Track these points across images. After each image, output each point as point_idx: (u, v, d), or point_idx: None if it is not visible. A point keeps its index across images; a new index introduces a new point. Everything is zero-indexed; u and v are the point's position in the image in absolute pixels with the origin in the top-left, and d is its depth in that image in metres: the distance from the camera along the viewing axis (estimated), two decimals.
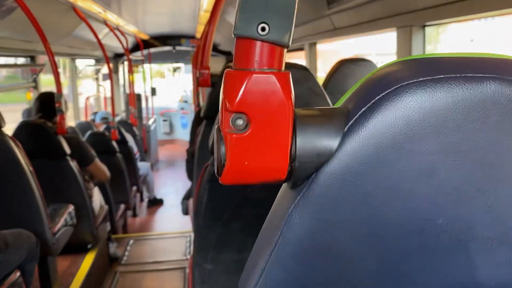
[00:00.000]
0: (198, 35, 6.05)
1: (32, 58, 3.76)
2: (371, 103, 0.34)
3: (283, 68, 0.35)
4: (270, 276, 0.38)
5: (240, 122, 0.35)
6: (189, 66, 8.97)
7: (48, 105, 2.77)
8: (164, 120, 10.00)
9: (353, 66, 2.04)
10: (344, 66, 2.03)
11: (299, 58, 3.78)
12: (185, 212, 2.90)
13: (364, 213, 0.36)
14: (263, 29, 0.33)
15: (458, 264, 0.37)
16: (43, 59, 3.82)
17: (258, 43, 0.34)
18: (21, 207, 2.07)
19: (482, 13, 1.57)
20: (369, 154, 0.34)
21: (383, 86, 0.35)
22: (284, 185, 0.41)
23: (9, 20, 2.60)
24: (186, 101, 10.07)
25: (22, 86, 4.00)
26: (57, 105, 2.61)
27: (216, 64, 5.00)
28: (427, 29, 1.89)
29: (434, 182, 0.35)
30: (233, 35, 0.34)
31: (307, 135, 0.36)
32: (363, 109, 0.35)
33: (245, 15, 0.33)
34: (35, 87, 3.86)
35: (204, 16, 4.23)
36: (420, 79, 0.34)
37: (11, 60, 3.94)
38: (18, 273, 1.83)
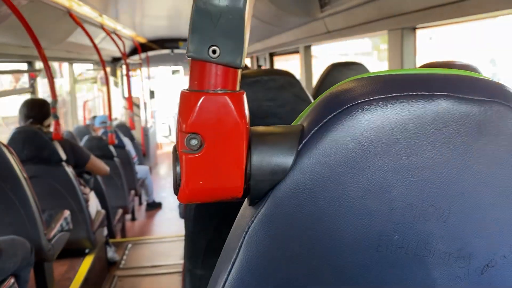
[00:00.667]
0: None
1: (30, 63, 3.77)
2: (323, 122, 0.35)
3: (237, 88, 0.36)
4: None
5: (194, 142, 0.35)
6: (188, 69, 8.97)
7: (36, 110, 2.78)
8: (163, 123, 10.02)
9: (345, 70, 2.04)
10: (335, 70, 2.03)
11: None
12: (182, 215, 2.90)
13: (320, 230, 0.36)
14: (214, 51, 0.34)
15: (416, 278, 0.38)
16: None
17: (211, 65, 0.34)
18: (16, 214, 2.08)
19: (473, 15, 1.57)
20: (322, 172, 0.35)
21: (336, 105, 0.35)
22: (245, 202, 0.42)
23: (5, 26, 2.61)
24: None
25: (19, 92, 4.01)
26: (52, 111, 2.61)
27: None
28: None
29: (387, 198, 0.35)
30: (186, 57, 0.35)
31: (261, 154, 0.36)
32: (316, 128, 0.35)
33: (196, 38, 0.34)
34: (33, 92, 3.87)
35: None
36: (371, 98, 0.34)
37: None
38: (12, 280, 1.84)
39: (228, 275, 0.38)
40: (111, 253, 3.58)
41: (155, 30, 6.38)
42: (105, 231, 3.40)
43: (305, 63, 3.33)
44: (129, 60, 6.65)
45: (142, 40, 7.01)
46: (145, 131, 6.82)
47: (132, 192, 4.83)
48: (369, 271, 0.37)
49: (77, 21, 3.45)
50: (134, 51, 7.20)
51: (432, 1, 1.66)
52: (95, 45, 3.95)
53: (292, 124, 0.40)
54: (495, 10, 1.45)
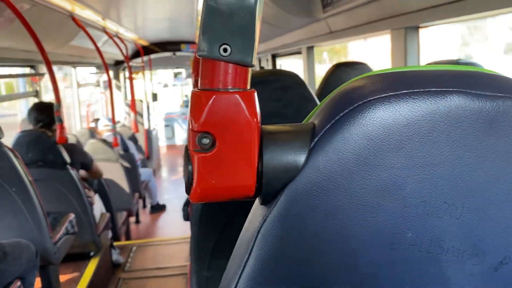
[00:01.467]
0: (198, 40, 6.06)
1: (33, 67, 3.79)
2: (335, 119, 0.35)
3: (248, 87, 0.36)
4: None
5: (206, 141, 0.35)
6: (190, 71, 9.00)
7: (45, 114, 2.80)
8: (166, 126, 10.04)
9: (348, 70, 2.04)
10: (339, 70, 2.03)
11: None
12: (186, 218, 2.90)
13: (333, 228, 0.36)
14: (225, 50, 0.34)
15: (429, 276, 0.37)
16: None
17: (222, 64, 0.34)
18: (21, 217, 2.08)
19: (477, 13, 1.57)
20: (335, 169, 0.35)
21: (347, 102, 0.35)
22: (256, 201, 0.42)
23: (8, 31, 2.62)
24: (187, 106, 10.12)
25: (23, 96, 4.02)
26: (56, 114, 2.62)
27: None
28: None
29: (400, 196, 0.35)
30: (197, 56, 0.35)
31: (273, 152, 0.36)
32: (327, 126, 0.35)
33: (206, 37, 0.33)
34: (36, 96, 3.88)
35: None
36: (383, 95, 0.34)
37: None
38: (19, 283, 1.84)
39: (241, 275, 0.38)
40: (115, 255, 3.58)
41: (157, 33, 6.40)
42: (109, 234, 3.40)
43: (308, 64, 3.32)
44: (132, 63, 6.66)
45: (144, 43, 7.03)
46: (148, 134, 6.83)
47: (136, 194, 4.84)
48: (383, 269, 0.37)
49: (80, 25, 3.46)
50: (136, 54, 7.22)
51: (436, 0, 1.65)
52: (97, 48, 3.96)
53: (302, 122, 0.40)
54: (500, 8, 1.45)
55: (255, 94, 0.36)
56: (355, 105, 0.35)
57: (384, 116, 0.34)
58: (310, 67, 3.33)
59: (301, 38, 3.30)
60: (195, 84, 2.66)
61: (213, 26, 0.33)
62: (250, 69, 0.36)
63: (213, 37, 0.33)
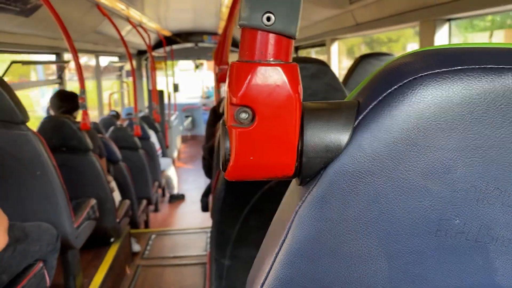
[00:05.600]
0: (220, 31, 6.06)
1: (58, 55, 3.83)
2: (382, 96, 0.33)
3: (290, 60, 0.34)
4: (277, 275, 0.37)
5: (244, 115, 0.33)
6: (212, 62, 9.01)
7: (67, 101, 2.85)
8: (187, 116, 10.08)
9: (375, 61, 1.99)
10: (365, 61, 1.99)
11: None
12: (205, 209, 2.91)
13: (375, 212, 0.34)
14: (268, 18, 0.32)
15: (476, 266, 0.35)
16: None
17: (264, 34, 0.32)
18: (45, 201, 2.11)
19: (510, 5, 1.51)
20: (381, 149, 0.33)
21: (396, 78, 0.33)
22: (293, 181, 0.40)
23: (34, 18, 2.66)
24: (208, 97, 10.15)
25: (47, 83, 4.08)
26: (80, 100, 2.65)
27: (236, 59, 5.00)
28: None
29: (449, 179, 0.33)
30: (238, 26, 0.33)
31: (315, 130, 0.34)
32: (374, 103, 0.33)
33: (249, 4, 0.32)
34: (60, 84, 3.93)
35: (226, 12, 4.23)
36: (436, 71, 0.32)
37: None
38: (41, 264, 1.87)
39: (276, 257, 0.37)
40: (133, 243, 3.62)
41: (180, 23, 6.41)
42: (129, 221, 3.44)
43: (332, 56, 3.28)
44: (154, 53, 6.69)
45: (167, 33, 7.04)
46: (169, 124, 6.86)
47: (156, 183, 4.88)
48: (426, 258, 0.35)
49: (105, 13, 3.48)
50: (158, 44, 7.25)
51: None
52: (122, 37, 3.99)
53: (345, 99, 0.38)
54: None
55: (298, 68, 0.34)
56: (405, 81, 0.32)
57: (436, 94, 0.32)
58: (334, 59, 3.28)
59: (325, 30, 3.25)
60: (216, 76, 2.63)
61: None
62: (292, 42, 0.34)
63: (257, 4, 0.32)
